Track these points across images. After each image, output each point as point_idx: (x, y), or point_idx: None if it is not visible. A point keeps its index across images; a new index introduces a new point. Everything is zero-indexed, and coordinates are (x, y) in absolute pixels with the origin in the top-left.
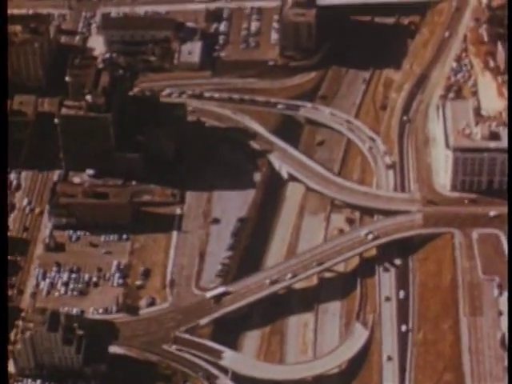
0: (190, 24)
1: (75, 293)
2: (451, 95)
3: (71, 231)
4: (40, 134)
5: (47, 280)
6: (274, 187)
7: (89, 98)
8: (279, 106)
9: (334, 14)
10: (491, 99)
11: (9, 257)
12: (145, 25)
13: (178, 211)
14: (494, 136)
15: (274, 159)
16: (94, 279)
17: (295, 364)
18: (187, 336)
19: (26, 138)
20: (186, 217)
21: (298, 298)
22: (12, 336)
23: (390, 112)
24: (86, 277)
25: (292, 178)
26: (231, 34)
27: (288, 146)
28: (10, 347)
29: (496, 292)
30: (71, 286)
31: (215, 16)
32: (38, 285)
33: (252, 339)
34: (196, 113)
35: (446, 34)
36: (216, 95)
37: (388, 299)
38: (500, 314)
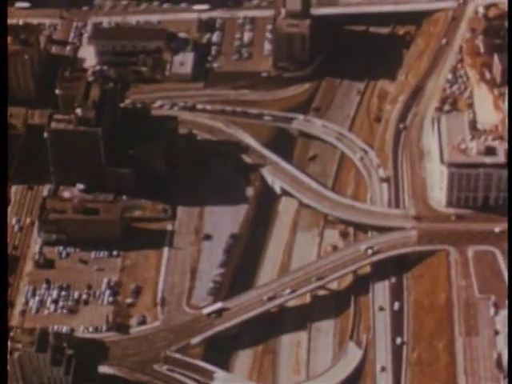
0: (182, 34)
1: (65, 311)
2: (446, 107)
3: (61, 247)
4: (30, 147)
5: (37, 297)
6: (267, 202)
7: (79, 111)
8: (266, 118)
9: (328, 24)
10: (487, 112)
11: None
12: (136, 35)
13: (170, 227)
14: (490, 151)
15: (267, 173)
16: (84, 297)
17: None
18: (178, 356)
19: (15, 152)
20: (177, 233)
21: (291, 316)
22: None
23: (385, 124)
24: (76, 294)
25: (285, 193)
26: (224, 45)
27: (281, 159)
28: None
29: (492, 311)
30: (61, 303)
31: (208, 26)
32: (27, 302)
33: (244, 359)
34: (187, 125)
35: (442, 44)
36: (208, 107)
37: (382, 318)
38: (496, 333)
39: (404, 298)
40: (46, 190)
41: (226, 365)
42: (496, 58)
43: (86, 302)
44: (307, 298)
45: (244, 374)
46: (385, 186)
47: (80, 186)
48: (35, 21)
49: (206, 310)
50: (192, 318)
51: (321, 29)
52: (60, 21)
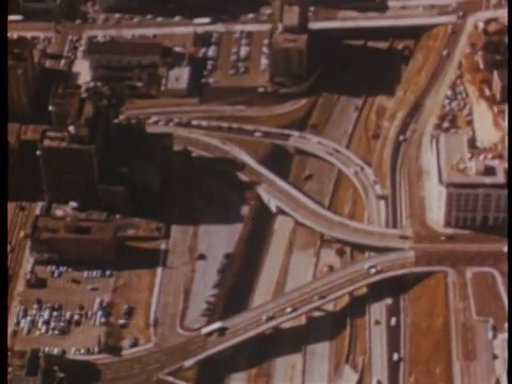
0: (177, 49)
1: (56, 332)
2: (446, 124)
3: (53, 267)
4: (23, 163)
5: (28, 318)
6: (262, 221)
7: (72, 129)
8: (256, 134)
9: (326, 38)
10: (487, 130)
11: None
12: (131, 50)
13: (163, 246)
14: (489, 171)
15: (263, 192)
16: (76, 317)
17: None
18: (171, 379)
19: (8, 168)
20: (171, 252)
21: (286, 338)
22: None
23: (383, 141)
24: (68, 315)
25: (281, 212)
26: (220, 59)
27: (277, 177)
28: None
29: (490, 334)
30: (52, 324)
31: (204, 40)
32: (18, 323)
33: (238, 382)
34: (182, 141)
35: (441, 59)
36: (204, 123)
37: (379, 342)
38: (494, 357)
39: (401, 320)
40: (38, 207)
41: None
42: (496, 74)
43: (78, 323)
44: (302, 320)
45: None
46: (382, 204)
47: (73, 204)
48: (29, 34)
49: (204, 330)
50: (185, 339)
51: (318, 43)
52: (54, 34)
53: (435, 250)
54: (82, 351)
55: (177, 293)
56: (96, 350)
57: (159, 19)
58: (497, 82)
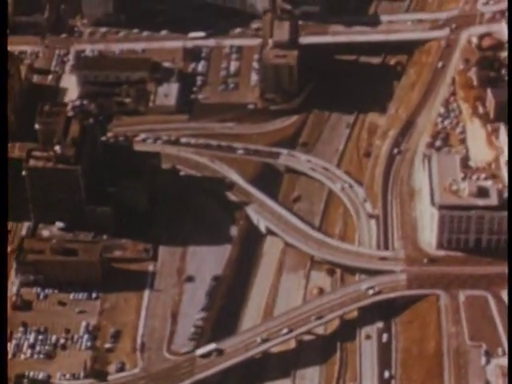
0: (166, 64)
1: (42, 356)
2: (438, 143)
3: (39, 289)
4: (9, 182)
5: (13, 341)
6: (252, 242)
7: (58, 148)
8: (239, 152)
9: (317, 53)
10: (480, 149)
11: None
12: (120, 65)
13: (151, 268)
14: (483, 192)
15: (252, 212)
16: (62, 341)
17: None
18: None
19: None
20: (158, 274)
21: (275, 362)
22: None
23: (374, 160)
24: (54, 338)
25: (270, 232)
26: (210, 75)
27: (266, 197)
28: None
29: (483, 360)
30: (38, 348)
31: (193, 55)
32: None
33: None
34: (171, 159)
35: (434, 75)
36: (192, 141)
37: (369, 366)
38: None
39: (392, 345)
40: (24, 227)
41: None
42: (489, 92)
43: (64, 347)
44: (292, 344)
45: None
46: (374, 225)
47: (60, 225)
48: (16, 48)
49: (199, 351)
50: (172, 364)
51: (309, 58)
52: (42, 48)
53: (427, 273)
54: (68, 376)
55: (164, 316)
56: (82, 375)
57: (146, 33)
58: (491, 100)
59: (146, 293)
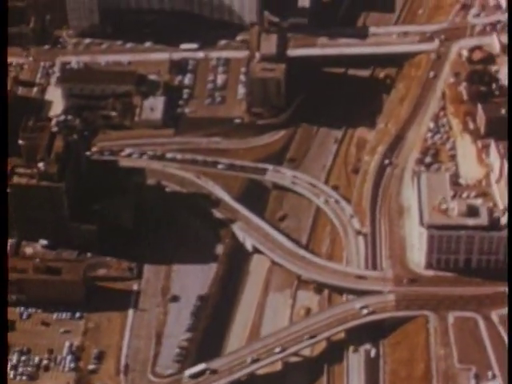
0: (152, 76)
1: (24, 377)
2: (428, 159)
3: (22, 308)
4: None
5: None
6: (238, 260)
7: (41, 165)
8: (219, 167)
9: (305, 66)
10: (470, 166)
11: None
12: (105, 78)
13: (135, 287)
14: (472, 212)
15: (238, 230)
16: (45, 362)
17: None
18: None
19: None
20: (143, 293)
21: None
22: None
23: (363, 177)
24: (37, 359)
25: (257, 251)
26: (196, 88)
27: (253, 214)
28: None
29: (473, 383)
30: (20, 369)
31: (179, 67)
32: None
33: None
34: (156, 175)
35: (424, 88)
36: (178, 156)
37: None
38: None
39: (380, 367)
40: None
41: None
42: (480, 108)
43: (47, 368)
44: (278, 366)
45: None
46: (361, 244)
47: (43, 242)
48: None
49: (188, 372)
50: None
51: (297, 71)
52: (27, 60)
53: (416, 294)
54: None
55: (148, 336)
56: None
57: (130, 45)
58: (481, 116)
59: (130, 312)
